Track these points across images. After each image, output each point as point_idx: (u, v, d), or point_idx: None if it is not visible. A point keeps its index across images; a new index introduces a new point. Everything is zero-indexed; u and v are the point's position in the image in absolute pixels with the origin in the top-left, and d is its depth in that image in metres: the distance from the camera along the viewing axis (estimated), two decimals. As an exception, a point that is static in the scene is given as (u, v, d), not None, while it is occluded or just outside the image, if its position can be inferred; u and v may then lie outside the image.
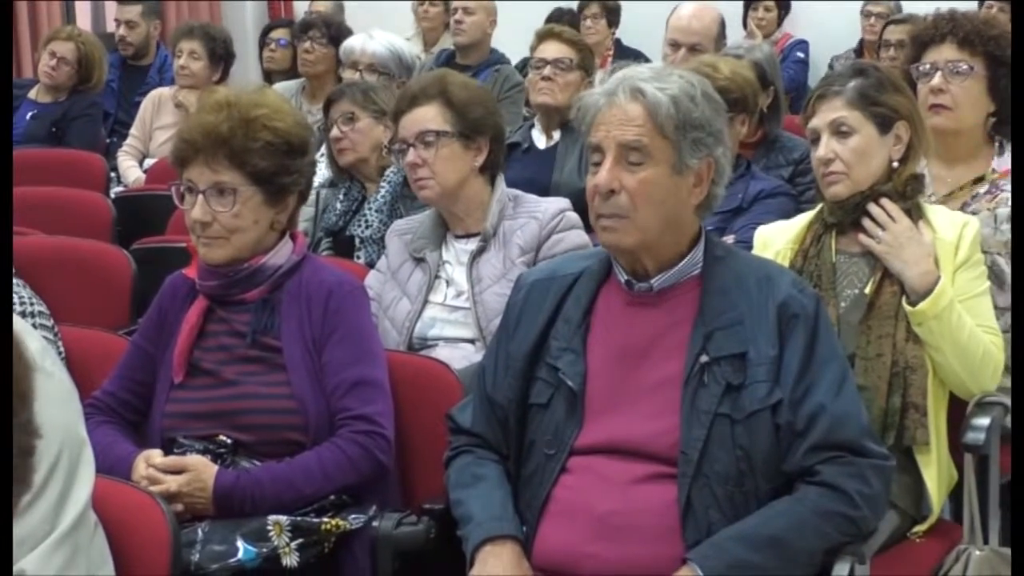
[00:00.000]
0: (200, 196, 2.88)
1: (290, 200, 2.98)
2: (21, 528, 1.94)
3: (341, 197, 4.43)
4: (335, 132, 4.40)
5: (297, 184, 2.98)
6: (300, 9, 9.51)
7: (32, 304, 3.10)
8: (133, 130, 6.74)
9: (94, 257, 4.30)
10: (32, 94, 6.86)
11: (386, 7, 8.42)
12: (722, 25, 5.60)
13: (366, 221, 4.27)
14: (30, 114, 6.73)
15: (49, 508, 1.97)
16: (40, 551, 1.95)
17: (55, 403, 2.06)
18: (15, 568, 1.92)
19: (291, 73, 7.31)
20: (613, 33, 8.08)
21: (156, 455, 2.82)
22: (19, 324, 2.21)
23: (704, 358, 2.51)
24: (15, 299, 3.06)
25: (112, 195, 5.67)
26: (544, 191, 4.17)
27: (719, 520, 2.45)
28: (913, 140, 3.09)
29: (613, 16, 8.02)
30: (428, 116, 3.58)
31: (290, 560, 2.71)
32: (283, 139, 2.92)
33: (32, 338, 2.15)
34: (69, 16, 8.76)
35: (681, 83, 2.60)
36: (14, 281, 3.24)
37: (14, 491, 1.47)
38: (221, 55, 6.70)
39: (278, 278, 2.94)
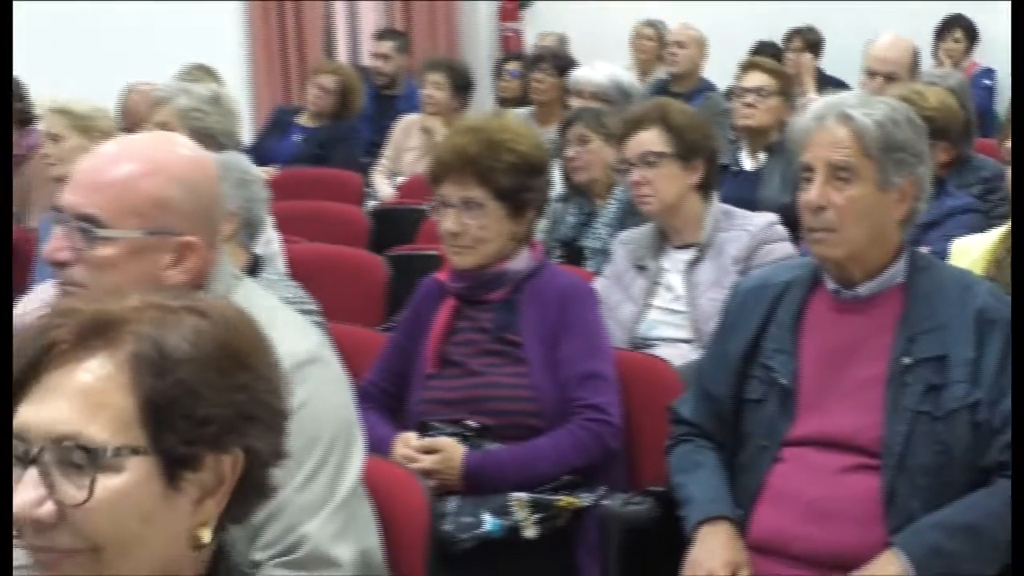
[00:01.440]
0: (452, 210, 2.92)
1: (529, 213, 2.99)
2: (305, 497, 1.99)
3: (573, 211, 4.45)
4: (570, 152, 4.42)
5: (535, 199, 3.00)
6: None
7: (306, 303, 3.16)
8: (385, 151, 6.84)
9: (353, 262, 4.38)
10: (300, 120, 7.02)
11: (606, 40, 8.43)
12: (916, 55, 5.48)
13: (596, 234, 4.28)
14: (299, 137, 6.89)
15: (328, 480, 2.02)
16: (320, 518, 1.99)
17: (333, 390, 2.11)
18: (300, 531, 1.97)
19: (522, 100, 7.36)
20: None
21: (412, 437, 2.86)
22: (298, 320, 2.27)
23: (906, 360, 2.45)
24: (295, 297, 3.12)
25: (367, 208, 5.76)
26: (751, 208, 4.13)
27: (919, 509, 2.39)
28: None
29: (815, 48, 7.89)
30: (650, 139, 3.60)
31: (530, 532, 2.73)
32: (524, 160, 2.94)
33: (311, 332, 2.20)
34: (330, 52, 8.96)
35: (885, 109, 2.55)
36: (291, 283, 3.32)
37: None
38: (462, 85, 6.74)
39: (519, 281, 2.96)
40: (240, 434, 1.35)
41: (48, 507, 1.29)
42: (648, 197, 3.58)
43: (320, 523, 1.99)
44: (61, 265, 2.04)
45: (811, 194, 2.52)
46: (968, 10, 8.30)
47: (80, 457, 1.29)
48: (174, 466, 1.32)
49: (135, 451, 1.30)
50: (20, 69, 5.98)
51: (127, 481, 1.30)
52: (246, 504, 1.43)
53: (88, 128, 4.50)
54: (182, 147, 2.16)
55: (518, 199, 2.93)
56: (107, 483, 1.29)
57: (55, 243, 2.05)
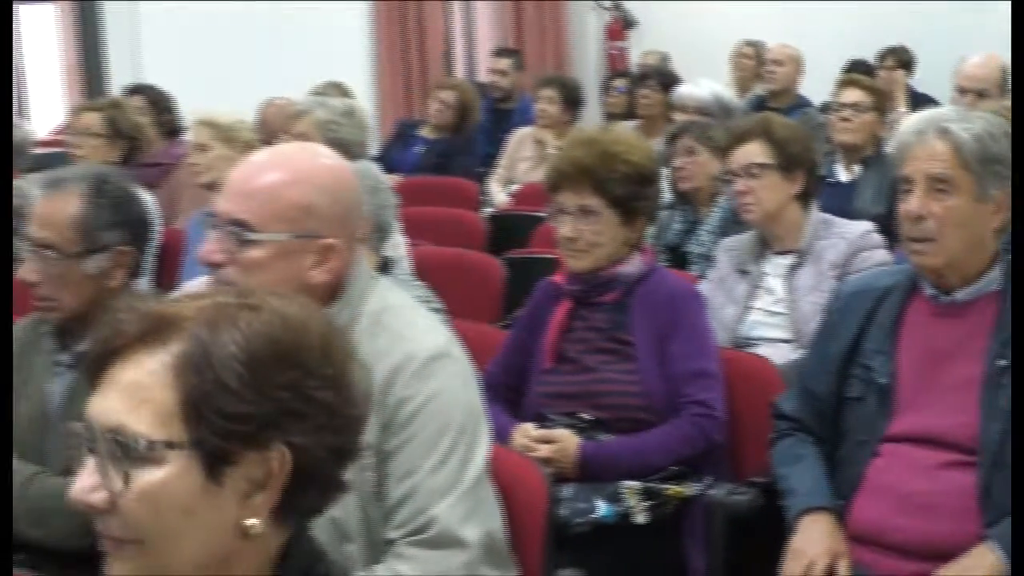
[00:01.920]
0: (569, 216, 2.92)
1: (641, 220, 2.98)
2: (435, 481, 2.00)
3: (678, 218, 4.42)
4: (677, 162, 4.40)
5: (647, 207, 2.98)
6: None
7: (432, 302, 3.18)
8: (501, 161, 6.84)
9: (473, 264, 4.38)
10: (422, 132, 7.05)
11: (706, 58, 8.37)
12: (1005, 72, 5.37)
13: (700, 240, 4.25)
14: (421, 148, 6.92)
15: (456, 466, 2.03)
16: (450, 501, 2.00)
17: (461, 383, 2.12)
18: (431, 513, 1.98)
19: (627, 115, 7.33)
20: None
21: (530, 427, 2.86)
22: (430, 317, 2.28)
23: (1002, 362, 2.39)
24: (421, 296, 3.14)
25: (484, 214, 5.77)
26: (845, 218, 4.07)
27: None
28: None
29: (907, 67, 7.76)
30: (753, 151, 3.57)
31: (640, 518, 2.72)
32: (637, 170, 2.92)
33: (442, 329, 2.21)
34: (449, 69, 9.00)
35: (983, 123, 2.50)
36: (417, 283, 3.34)
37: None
38: (573, 100, 6.73)
39: (630, 284, 2.95)
40: (282, 431, 1.30)
41: (101, 494, 1.28)
42: (751, 206, 3.55)
43: (449, 505, 2.00)
44: (215, 266, 2.07)
45: (911, 205, 2.47)
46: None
47: (122, 448, 1.27)
48: (212, 461, 1.28)
49: (171, 445, 1.27)
50: (169, 84, 6.12)
51: (166, 474, 1.27)
52: (313, 498, 1.37)
53: (231, 139, 4.57)
54: (324, 157, 2.18)
55: (631, 207, 2.92)
56: (147, 475, 1.27)
57: (210, 246, 2.08)
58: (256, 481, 1.30)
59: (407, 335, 2.08)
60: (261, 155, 2.19)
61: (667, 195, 4.48)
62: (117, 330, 1.32)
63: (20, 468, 2.60)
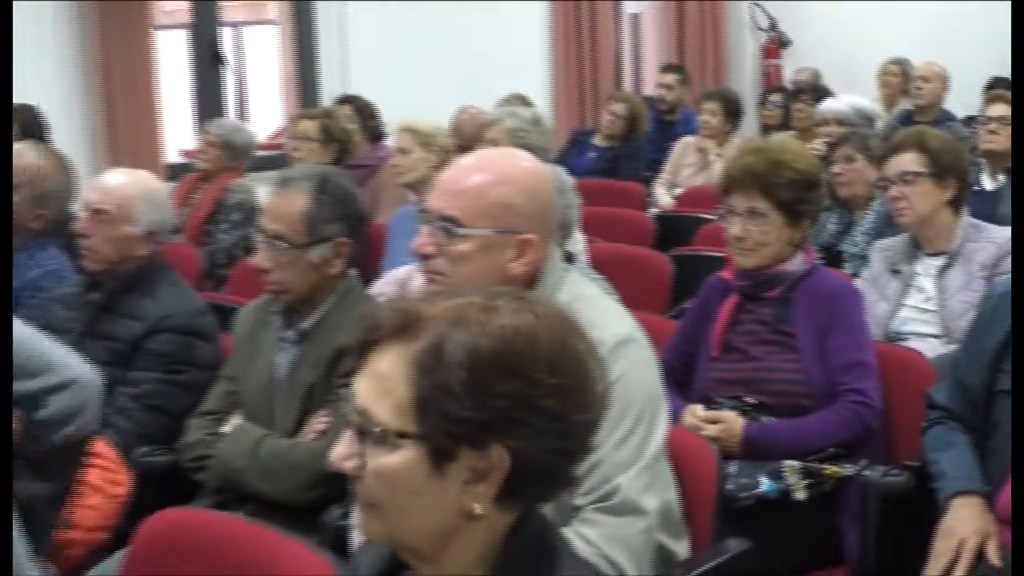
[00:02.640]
0: (738, 217, 2.87)
1: (805, 222, 2.92)
2: (619, 455, 2.00)
3: (834, 220, 4.34)
4: (836, 169, 4.31)
5: (811, 210, 2.92)
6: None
7: (611, 293, 3.17)
8: (665, 167, 6.79)
9: (642, 260, 4.36)
10: (595, 140, 7.04)
11: (854, 75, 8.16)
12: None
13: (854, 241, 4.16)
14: (593, 154, 6.91)
15: (638, 442, 2.02)
16: (631, 473, 1.99)
17: (644, 367, 2.11)
18: (614, 483, 1.98)
19: (782, 127, 7.20)
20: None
21: (699, 409, 2.83)
22: (617, 306, 2.27)
23: None
24: (605, 288, 3.14)
25: (650, 214, 5.73)
26: (991, 223, 3.94)
27: None
28: None
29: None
30: (908, 160, 3.48)
31: (800, 495, 2.67)
32: (803, 176, 2.87)
33: (628, 317, 2.19)
34: (618, 83, 8.97)
35: None
36: (597, 275, 3.34)
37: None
38: (733, 112, 6.65)
39: (793, 281, 2.89)
40: (501, 435, 1.28)
41: (352, 463, 1.32)
42: (905, 210, 3.47)
43: (631, 477, 1.99)
44: (426, 257, 2.10)
45: (1066, 211, 2.38)
46: None
47: (366, 429, 1.30)
48: (437, 455, 1.28)
49: (404, 435, 1.28)
50: (373, 94, 6.23)
51: (398, 460, 1.29)
52: (536, 490, 1.34)
53: (429, 144, 4.62)
54: (524, 160, 2.20)
55: (796, 210, 2.86)
56: (383, 457, 1.29)
57: (422, 239, 2.11)
58: (478, 472, 1.29)
59: (597, 322, 2.06)
60: (469, 158, 2.21)
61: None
62: (377, 323, 1.34)
63: (251, 430, 2.69)
